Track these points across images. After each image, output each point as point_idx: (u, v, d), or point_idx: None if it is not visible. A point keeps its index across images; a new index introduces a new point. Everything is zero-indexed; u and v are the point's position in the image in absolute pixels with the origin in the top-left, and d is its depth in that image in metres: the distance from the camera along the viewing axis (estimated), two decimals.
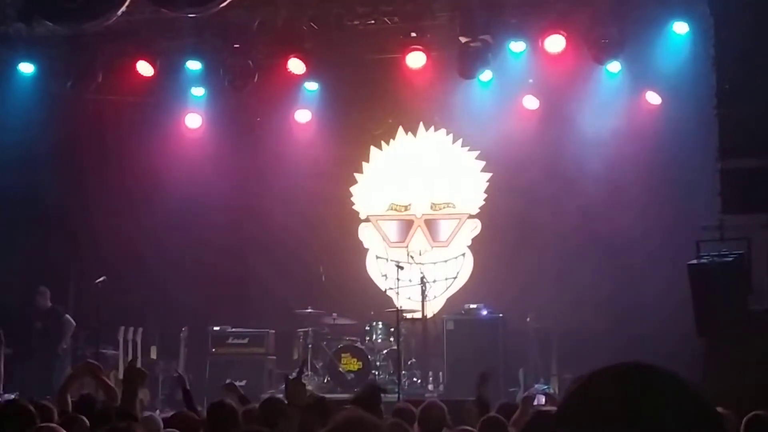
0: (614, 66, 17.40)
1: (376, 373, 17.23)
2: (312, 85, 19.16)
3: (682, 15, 16.64)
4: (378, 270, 19.53)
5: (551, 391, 15.54)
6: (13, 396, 8.68)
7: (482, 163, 19.47)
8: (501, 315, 17.50)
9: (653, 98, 17.78)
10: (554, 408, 5.97)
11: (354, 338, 17.72)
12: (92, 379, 9.30)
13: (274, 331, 18.25)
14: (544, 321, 17.32)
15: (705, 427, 1.90)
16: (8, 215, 17.87)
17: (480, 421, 7.70)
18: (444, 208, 19.71)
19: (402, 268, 17.76)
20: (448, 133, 19.77)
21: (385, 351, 17.52)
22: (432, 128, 19.85)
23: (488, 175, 19.41)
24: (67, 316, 17.93)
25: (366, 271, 19.75)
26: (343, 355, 17.38)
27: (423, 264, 18.42)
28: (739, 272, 12.86)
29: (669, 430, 1.87)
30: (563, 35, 16.79)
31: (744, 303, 12.84)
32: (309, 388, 16.89)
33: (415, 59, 17.65)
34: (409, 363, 17.42)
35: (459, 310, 18.04)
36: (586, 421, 1.92)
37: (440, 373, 17.48)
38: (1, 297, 17.69)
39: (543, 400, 8.56)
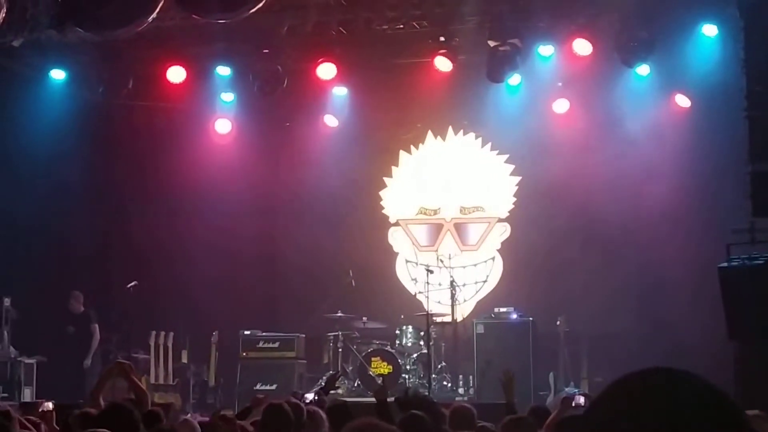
0: (643, 69, 17.35)
1: (407, 377, 17.26)
2: (341, 90, 19.20)
3: (711, 17, 16.59)
4: (408, 274, 19.55)
5: (582, 393, 15.50)
6: (50, 403, 8.73)
7: (511, 167, 19.47)
8: (531, 318, 17.50)
9: (683, 101, 17.74)
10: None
11: (384, 342, 17.75)
12: (124, 380, 9.29)
13: (304, 335, 18.29)
14: (574, 324, 17.31)
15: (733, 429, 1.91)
16: (40, 221, 17.99)
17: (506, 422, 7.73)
18: (473, 211, 19.72)
19: (432, 271, 17.77)
20: (477, 137, 19.77)
21: (415, 355, 17.55)
22: (461, 132, 19.86)
23: (517, 178, 19.40)
24: (95, 326, 18.01)
25: (396, 275, 19.78)
26: (373, 358, 17.41)
27: (453, 268, 18.41)
28: None
29: None
30: (592, 39, 16.77)
31: None
32: (339, 392, 17.02)
33: (444, 63, 17.65)
34: (439, 367, 17.43)
35: (489, 313, 18.05)
36: (613, 428, 1.94)
37: (470, 377, 17.49)
38: (34, 301, 17.79)
39: (582, 401, 8.56)
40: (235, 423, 7.75)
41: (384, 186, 19.99)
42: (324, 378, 14.23)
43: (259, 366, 17.95)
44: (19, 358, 17.07)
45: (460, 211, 19.76)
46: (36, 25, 15.03)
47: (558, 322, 17.26)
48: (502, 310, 17.81)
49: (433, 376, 16.90)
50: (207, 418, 8.82)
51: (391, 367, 17.30)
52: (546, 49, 17.38)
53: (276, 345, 18.17)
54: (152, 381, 17.52)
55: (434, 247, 19.51)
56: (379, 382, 16.59)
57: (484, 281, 19.30)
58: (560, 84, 18.32)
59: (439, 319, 17.69)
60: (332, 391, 16.65)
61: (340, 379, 17.23)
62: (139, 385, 9.04)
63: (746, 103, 13.60)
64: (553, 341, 17.31)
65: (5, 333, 17.17)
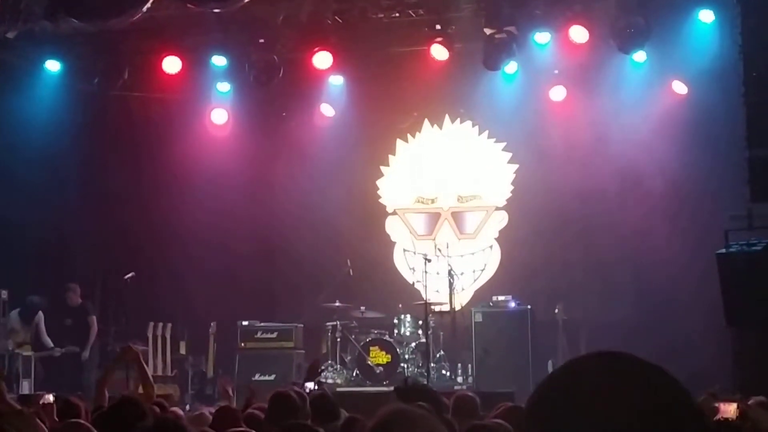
0: (640, 56, 17.30)
1: (405, 366, 17.26)
2: (337, 79, 19.15)
3: (708, 3, 16.56)
4: (405, 263, 19.54)
5: None
6: (51, 396, 8.74)
7: (509, 155, 19.43)
8: (529, 306, 17.50)
9: (680, 87, 17.69)
10: None
11: (382, 331, 17.73)
12: (136, 367, 9.24)
13: (302, 325, 18.30)
14: (573, 312, 17.31)
15: (678, 408, 1.89)
16: (36, 213, 17.94)
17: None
18: (471, 200, 19.68)
19: (429, 260, 17.72)
20: (474, 125, 19.72)
21: (413, 344, 17.54)
22: (458, 120, 19.81)
23: (515, 166, 19.36)
24: (93, 317, 17.97)
25: (393, 264, 19.75)
26: (371, 348, 17.39)
27: (450, 256, 18.38)
28: None
29: (643, 416, 1.86)
30: (588, 25, 16.73)
31: None
32: (338, 381, 17.03)
33: (440, 51, 17.60)
34: (437, 355, 17.42)
35: (487, 302, 18.04)
36: (558, 416, 1.91)
37: (469, 365, 17.49)
38: (30, 294, 17.78)
39: None
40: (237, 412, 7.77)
41: (381, 175, 19.95)
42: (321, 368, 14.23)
43: (257, 356, 17.95)
44: (15, 351, 17.06)
45: (458, 199, 19.72)
46: (30, 15, 15.02)
47: (556, 310, 17.26)
48: (500, 298, 17.80)
49: (432, 365, 16.89)
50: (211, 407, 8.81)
51: (389, 356, 17.29)
52: (542, 37, 17.32)
53: (274, 335, 18.18)
54: (151, 372, 17.49)
55: (432, 236, 19.49)
56: (378, 372, 16.66)
57: (482, 270, 19.28)
58: (557, 71, 18.26)
59: (437, 308, 17.66)
60: (325, 381, 16.72)
61: (327, 365, 17.24)
62: (147, 373, 9.03)
63: (744, 88, 13.59)
64: (552, 329, 17.31)
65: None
